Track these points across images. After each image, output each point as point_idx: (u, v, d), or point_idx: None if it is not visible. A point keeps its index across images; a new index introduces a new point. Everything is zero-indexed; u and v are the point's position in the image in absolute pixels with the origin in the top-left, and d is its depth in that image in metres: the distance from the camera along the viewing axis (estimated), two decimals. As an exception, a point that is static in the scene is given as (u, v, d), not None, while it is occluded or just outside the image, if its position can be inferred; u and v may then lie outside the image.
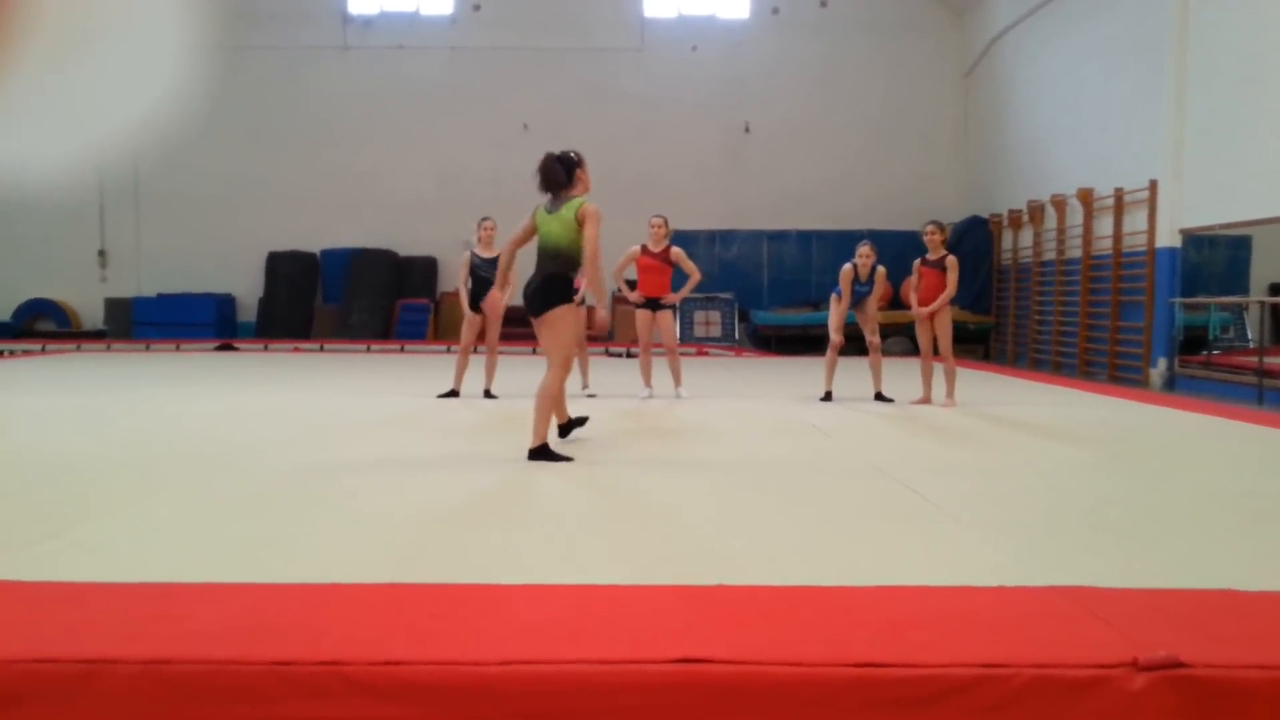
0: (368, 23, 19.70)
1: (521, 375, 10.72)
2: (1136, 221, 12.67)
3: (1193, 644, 2.53)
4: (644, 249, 9.38)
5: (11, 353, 16.63)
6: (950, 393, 8.76)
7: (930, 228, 8.81)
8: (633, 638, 2.60)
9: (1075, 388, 11.19)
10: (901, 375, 10.69)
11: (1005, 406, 8.92)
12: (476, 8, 19.59)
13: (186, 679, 2.39)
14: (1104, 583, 3.15)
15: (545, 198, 5.74)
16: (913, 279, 8.90)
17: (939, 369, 8.98)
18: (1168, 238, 11.97)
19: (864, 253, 8.99)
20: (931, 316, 8.67)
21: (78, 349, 17.13)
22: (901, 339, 16.67)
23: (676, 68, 19.56)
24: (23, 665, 2.40)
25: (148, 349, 17.18)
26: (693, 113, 19.43)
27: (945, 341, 8.73)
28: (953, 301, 8.82)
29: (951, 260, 8.65)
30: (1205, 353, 11.88)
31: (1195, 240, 11.87)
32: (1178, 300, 11.84)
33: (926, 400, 8.88)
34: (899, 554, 3.59)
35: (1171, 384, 11.86)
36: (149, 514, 4.19)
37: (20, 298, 19.68)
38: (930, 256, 8.74)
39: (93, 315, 19.93)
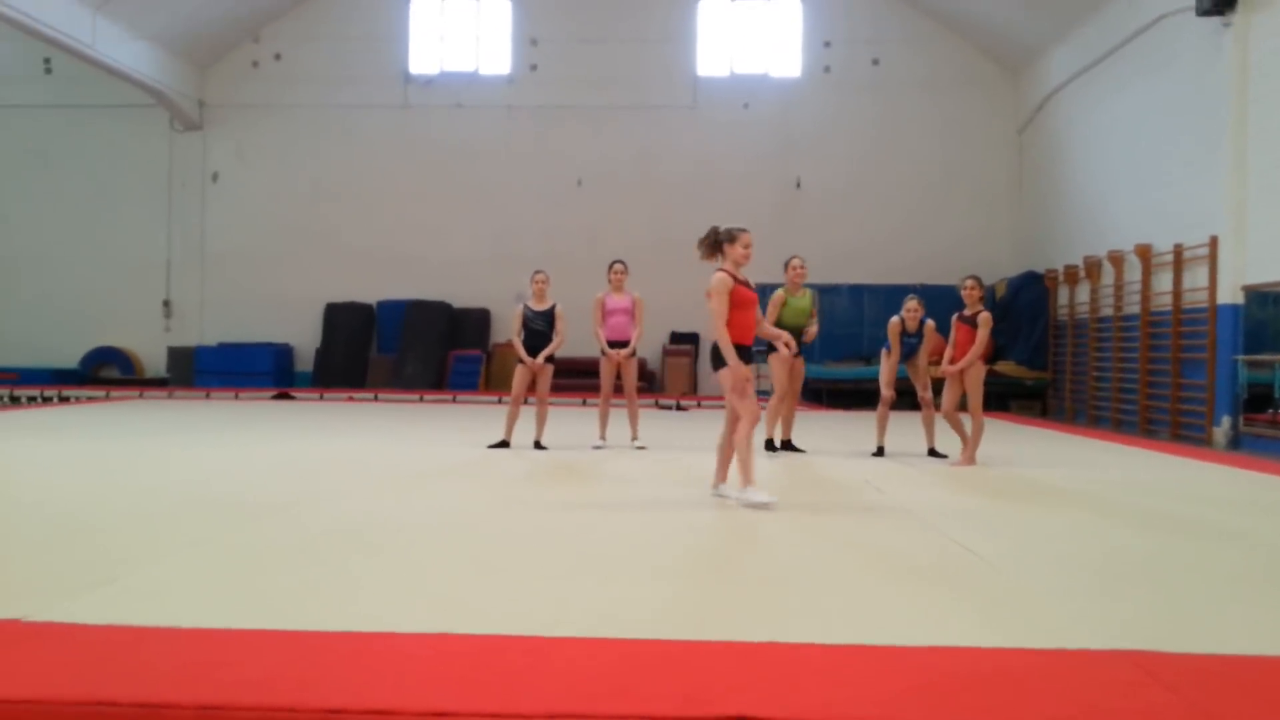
0: (428, 82, 20.21)
1: (571, 427, 10.77)
2: (1197, 278, 12.46)
3: (1259, 711, 2.45)
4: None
5: (77, 399, 17.07)
6: (972, 453, 8.41)
7: (969, 282, 8.53)
8: (683, 693, 2.58)
9: (1136, 446, 10.95)
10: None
11: (1063, 465, 8.75)
12: (534, 67, 20.03)
13: (239, 725, 2.41)
14: (1165, 647, 3.06)
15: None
16: (952, 334, 8.71)
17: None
18: (1229, 294, 11.74)
19: (911, 307, 8.92)
20: (961, 373, 8.46)
21: (140, 396, 17.54)
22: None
23: (729, 125, 19.77)
24: (83, 707, 2.45)
25: (208, 397, 17.55)
26: (745, 169, 19.58)
27: (974, 398, 8.41)
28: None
29: (984, 317, 8.37)
30: (1271, 411, 11.58)
31: (1258, 297, 11.63)
32: (1241, 358, 11.59)
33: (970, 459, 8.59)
34: (954, 613, 3.52)
35: (1236, 443, 11.57)
36: (203, 560, 4.26)
37: (87, 346, 20.25)
38: (967, 312, 8.56)
39: (156, 363, 20.43)
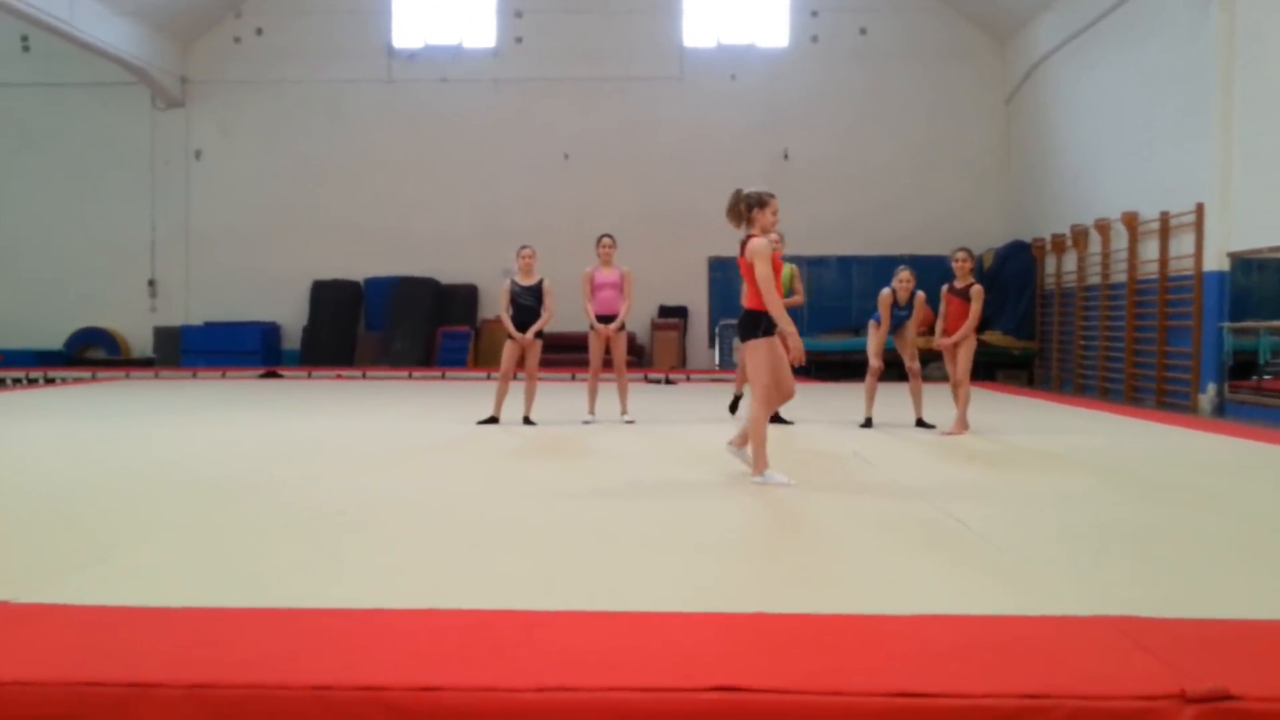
0: (412, 56, 20.02)
1: (560, 402, 10.77)
2: (1183, 245, 12.49)
3: (1242, 675, 2.48)
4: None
5: (63, 380, 16.99)
6: (961, 419, 8.52)
7: (961, 254, 8.59)
8: (670, 665, 2.59)
9: (1122, 414, 11.01)
10: (943, 401, 10.57)
11: (1050, 433, 8.79)
12: (518, 40, 19.86)
13: (228, 703, 2.42)
14: (1150, 612, 3.09)
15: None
16: (941, 306, 8.76)
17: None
18: (1215, 261, 11.78)
19: (903, 278, 8.93)
20: (955, 346, 8.54)
21: (127, 377, 17.45)
22: (943, 365, 16.46)
23: (716, 97, 19.65)
24: (69, 688, 2.45)
25: (195, 377, 17.47)
26: (732, 141, 19.48)
27: (964, 367, 8.53)
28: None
29: (976, 290, 8.45)
30: (1256, 378, 11.65)
31: (1244, 264, 11.67)
32: (1226, 325, 11.64)
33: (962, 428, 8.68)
34: (940, 582, 3.55)
35: (1221, 410, 11.64)
36: (191, 540, 4.26)
37: (72, 327, 20.11)
38: (957, 284, 8.59)
39: (142, 344, 20.32)
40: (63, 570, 3.64)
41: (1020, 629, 2.96)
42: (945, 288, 8.69)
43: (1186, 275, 12.37)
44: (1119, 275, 14.35)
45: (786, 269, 9.38)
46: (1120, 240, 14.29)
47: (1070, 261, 16.22)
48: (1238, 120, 11.45)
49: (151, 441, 7.98)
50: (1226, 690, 2.37)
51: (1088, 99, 15.58)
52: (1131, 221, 13.74)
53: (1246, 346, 11.68)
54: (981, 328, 11.30)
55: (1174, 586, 3.53)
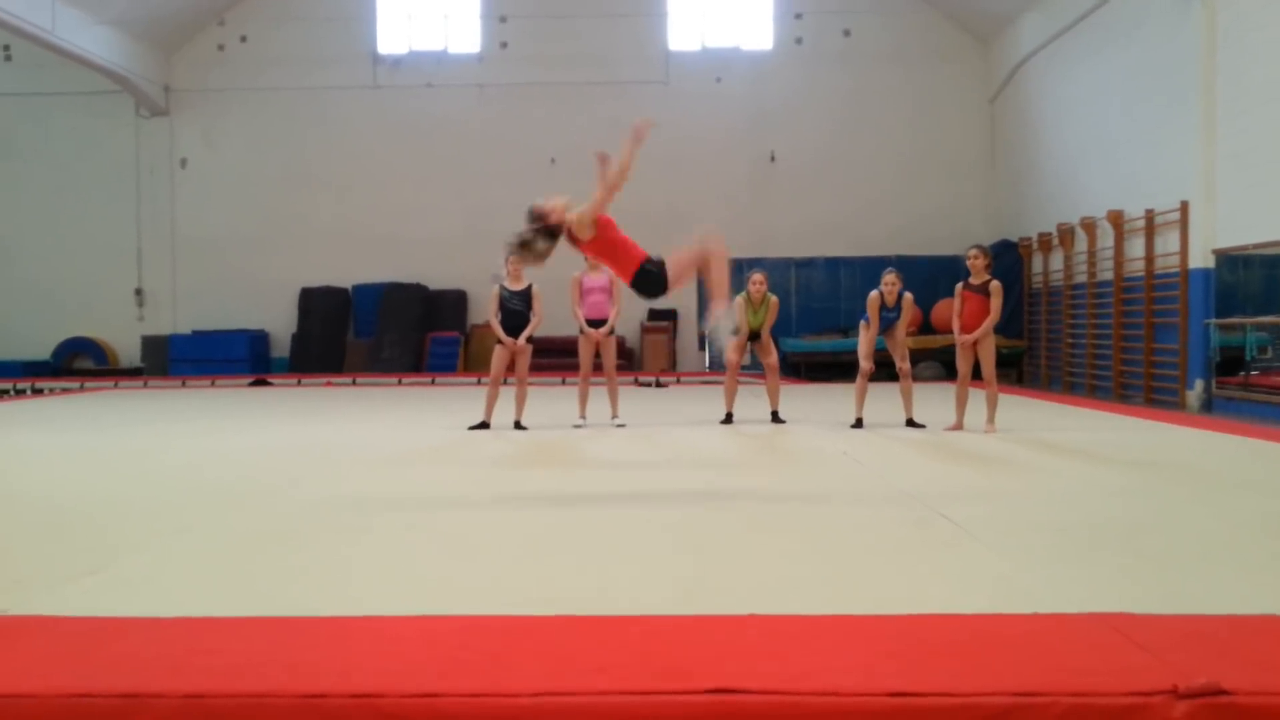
0: (397, 62, 20.00)
1: (551, 406, 10.77)
2: (1168, 243, 12.56)
3: (1234, 671, 2.49)
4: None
5: (51, 390, 16.89)
6: (991, 418, 8.64)
7: (974, 252, 8.67)
8: (665, 668, 2.60)
9: (1111, 411, 11.06)
10: (933, 401, 10.62)
11: (1040, 431, 8.83)
12: (503, 45, 19.86)
13: (224, 712, 2.41)
14: (1142, 609, 3.10)
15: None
16: (954, 303, 8.81)
17: (975, 395, 8.89)
18: (1201, 258, 11.85)
19: (889, 280, 8.97)
20: (975, 343, 8.60)
21: (115, 386, 17.37)
22: (933, 364, 16.53)
23: (701, 100, 19.67)
24: (64, 699, 2.44)
25: (184, 385, 17.40)
26: (718, 144, 19.52)
27: (989, 367, 8.64)
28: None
29: (995, 285, 8.52)
30: (1243, 374, 11.72)
31: (1229, 260, 11.75)
32: (1213, 321, 11.71)
33: (959, 427, 8.78)
34: (933, 581, 3.56)
35: (1209, 406, 11.70)
36: (185, 549, 4.24)
37: (60, 336, 20.01)
38: (973, 281, 8.64)
39: (130, 353, 20.23)
40: (56, 581, 3.62)
41: (1013, 626, 2.97)
42: (961, 285, 8.74)
43: (1173, 273, 12.45)
44: (1105, 273, 14.43)
45: (764, 305, 9.51)
46: (1106, 238, 14.36)
47: (1057, 260, 16.30)
48: (1220, 117, 11.53)
49: (142, 451, 7.95)
50: (1219, 685, 2.38)
51: (1071, 98, 15.66)
52: (1117, 220, 13.82)
53: (1233, 342, 11.75)
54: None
55: (1166, 582, 3.55)
